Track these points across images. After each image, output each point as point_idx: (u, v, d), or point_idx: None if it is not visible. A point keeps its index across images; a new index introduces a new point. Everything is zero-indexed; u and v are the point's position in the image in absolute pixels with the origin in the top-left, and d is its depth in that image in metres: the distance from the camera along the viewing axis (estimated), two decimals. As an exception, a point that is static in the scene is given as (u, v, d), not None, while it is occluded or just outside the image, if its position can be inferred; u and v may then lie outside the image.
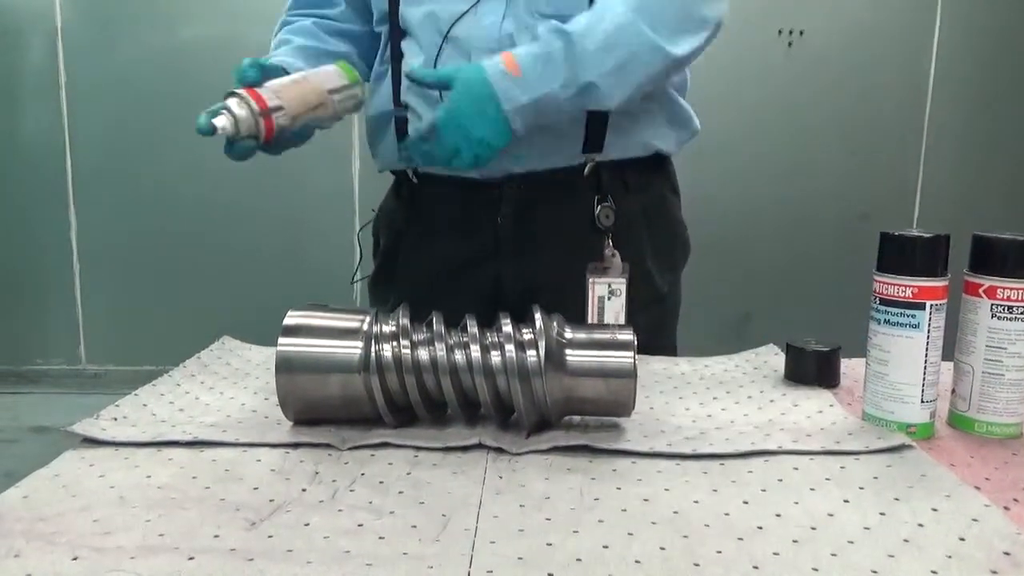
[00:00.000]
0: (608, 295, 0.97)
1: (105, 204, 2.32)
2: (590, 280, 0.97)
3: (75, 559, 0.48)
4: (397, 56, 0.99)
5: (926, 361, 0.68)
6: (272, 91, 0.86)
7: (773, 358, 0.94)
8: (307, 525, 0.53)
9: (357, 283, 1.14)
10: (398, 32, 0.99)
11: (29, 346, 2.39)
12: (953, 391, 0.73)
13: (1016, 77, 2.24)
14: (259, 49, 2.46)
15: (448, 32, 0.94)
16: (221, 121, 0.82)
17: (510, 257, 1.01)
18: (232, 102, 0.84)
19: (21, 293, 2.37)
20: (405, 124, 1.00)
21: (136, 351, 2.36)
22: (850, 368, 0.88)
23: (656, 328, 1.09)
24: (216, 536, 0.51)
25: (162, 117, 2.28)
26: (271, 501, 0.56)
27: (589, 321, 0.97)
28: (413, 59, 0.97)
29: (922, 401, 0.69)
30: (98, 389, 2.30)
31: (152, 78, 2.26)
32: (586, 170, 0.99)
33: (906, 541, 0.51)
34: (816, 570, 0.48)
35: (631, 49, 0.88)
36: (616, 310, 0.97)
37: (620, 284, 0.97)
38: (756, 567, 0.48)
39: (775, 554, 0.50)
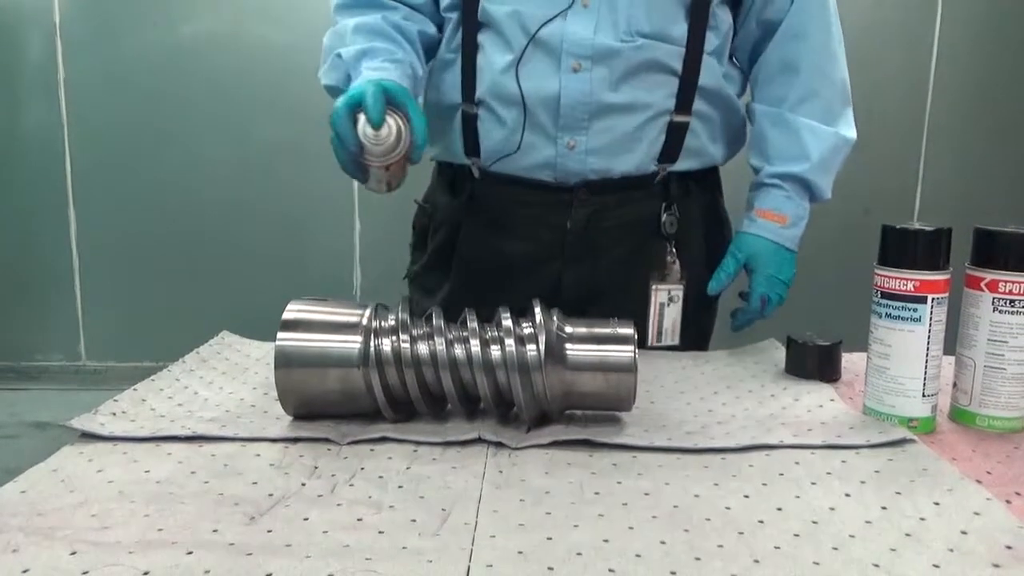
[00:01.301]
0: (668, 301, 1.00)
1: (105, 201, 2.31)
2: (653, 287, 1.00)
3: (73, 554, 0.47)
4: (471, 47, 0.97)
5: (927, 355, 0.68)
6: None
7: (774, 352, 0.94)
8: (306, 519, 0.53)
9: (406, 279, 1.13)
10: (475, 24, 0.96)
11: (29, 343, 2.39)
12: (954, 385, 0.73)
13: (1017, 71, 2.23)
14: (259, 46, 2.44)
15: (535, 33, 0.92)
16: (386, 130, 0.80)
17: (574, 260, 1.02)
18: (398, 122, 0.81)
19: (21, 290, 2.36)
20: (474, 121, 0.98)
21: (136, 347, 2.35)
22: (851, 362, 0.88)
23: (706, 332, 1.11)
24: (215, 530, 0.51)
25: (162, 114, 2.28)
26: (270, 495, 0.56)
27: (651, 328, 1.00)
28: (496, 55, 0.95)
29: (923, 395, 0.69)
30: (98, 385, 2.30)
31: (152, 75, 2.25)
32: (657, 178, 1.00)
33: (908, 535, 0.51)
34: (817, 564, 0.48)
35: (838, 158, 1.03)
36: (674, 316, 1.01)
37: (679, 291, 1.01)
38: (757, 561, 0.48)
39: (776, 548, 0.49)
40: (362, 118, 0.80)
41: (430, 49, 1.02)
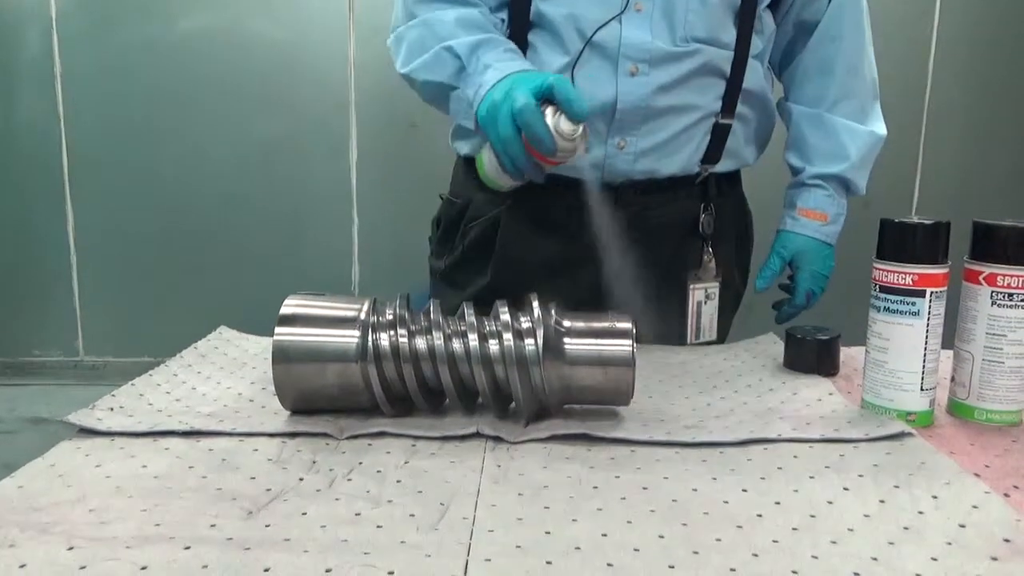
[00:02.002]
0: (705, 299, 1.03)
1: (102, 196, 2.31)
2: (690, 286, 1.03)
3: (71, 549, 0.47)
4: (520, 47, 0.94)
5: (926, 349, 0.68)
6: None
7: (772, 347, 0.94)
8: (304, 514, 0.52)
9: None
10: (525, 24, 0.95)
11: (27, 338, 2.38)
12: (953, 379, 0.73)
13: (1016, 64, 2.23)
14: (257, 41, 2.43)
15: (591, 37, 0.92)
16: (582, 125, 0.76)
17: (614, 259, 1.01)
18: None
19: (18, 285, 2.36)
20: None
21: (134, 343, 2.35)
22: (849, 356, 0.88)
23: (727, 329, 1.12)
24: (213, 525, 0.51)
25: (160, 109, 2.27)
26: (268, 490, 0.56)
27: (690, 325, 1.03)
28: (550, 57, 0.94)
29: (922, 389, 0.68)
30: (96, 381, 2.30)
31: (149, 69, 2.25)
32: (698, 179, 1.02)
33: (906, 528, 0.51)
34: (815, 558, 0.48)
35: (874, 154, 1.06)
36: (711, 313, 1.04)
37: (715, 288, 1.04)
38: (755, 554, 0.48)
39: (774, 542, 0.49)
40: (549, 112, 0.76)
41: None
